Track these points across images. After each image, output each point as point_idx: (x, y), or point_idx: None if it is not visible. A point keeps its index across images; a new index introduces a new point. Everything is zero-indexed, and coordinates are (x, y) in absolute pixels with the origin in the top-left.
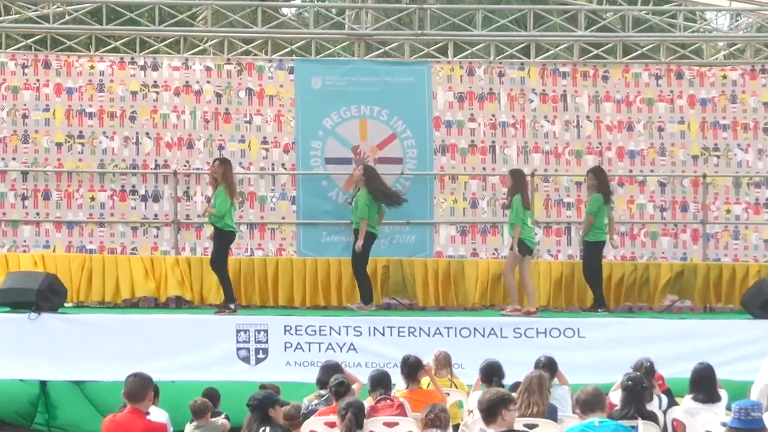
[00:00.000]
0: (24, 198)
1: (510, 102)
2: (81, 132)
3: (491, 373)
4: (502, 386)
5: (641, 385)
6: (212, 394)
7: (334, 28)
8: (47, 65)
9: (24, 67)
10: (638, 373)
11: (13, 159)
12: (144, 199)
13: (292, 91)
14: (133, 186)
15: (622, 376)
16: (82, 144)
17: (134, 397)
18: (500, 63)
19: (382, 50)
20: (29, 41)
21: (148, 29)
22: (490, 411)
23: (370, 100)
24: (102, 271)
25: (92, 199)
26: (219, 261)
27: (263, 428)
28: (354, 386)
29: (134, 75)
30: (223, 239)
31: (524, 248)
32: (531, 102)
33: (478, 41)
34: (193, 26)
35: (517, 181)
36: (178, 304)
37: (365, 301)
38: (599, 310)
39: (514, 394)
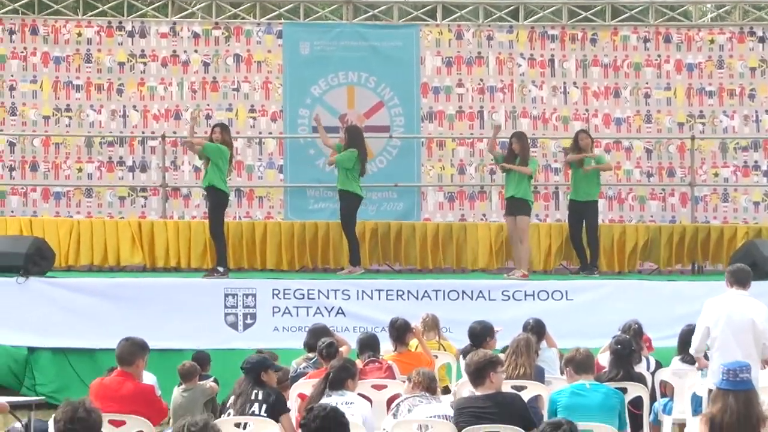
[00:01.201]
0: (12, 169)
1: (498, 66)
2: (68, 105)
3: (476, 336)
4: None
5: (630, 347)
6: (202, 358)
7: None
8: (35, 31)
9: (11, 33)
10: (626, 336)
11: (0, 131)
12: (131, 169)
13: (280, 57)
14: (121, 157)
15: (610, 339)
16: (69, 117)
17: (124, 360)
18: (489, 26)
19: (370, 13)
20: (16, 5)
21: None
22: (478, 373)
23: (358, 67)
24: (90, 236)
25: (79, 170)
26: (216, 225)
27: (255, 390)
28: (342, 349)
29: (121, 43)
30: (219, 201)
31: (530, 210)
32: (519, 66)
33: (466, 4)
34: None
35: (527, 143)
36: (167, 267)
37: (354, 263)
38: (595, 272)
39: (501, 356)
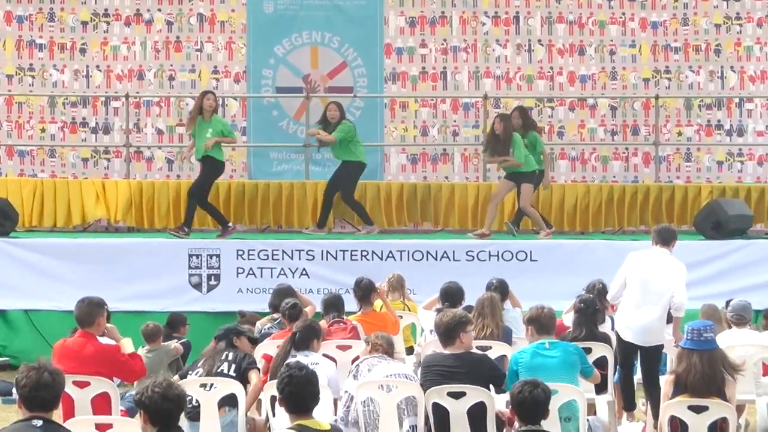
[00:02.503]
0: None
1: (462, 26)
2: (31, 65)
3: (452, 296)
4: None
5: (594, 307)
6: (176, 320)
7: None
8: None
9: None
10: (591, 295)
11: None
12: (94, 131)
13: (244, 16)
14: (84, 118)
15: (574, 299)
16: (33, 77)
17: (84, 321)
18: None
19: None
20: None
21: None
22: (448, 334)
23: (322, 26)
24: (53, 197)
25: (42, 130)
26: (202, 189)
27: (227, 352)
28: (307, 309)
29: (85, 2)
30: (215, 169)
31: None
32: (483, 25)
33: None
34: None
35: (510, 126)
36: (130, 228)
37: (368, 223)
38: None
39: (470, 316)
